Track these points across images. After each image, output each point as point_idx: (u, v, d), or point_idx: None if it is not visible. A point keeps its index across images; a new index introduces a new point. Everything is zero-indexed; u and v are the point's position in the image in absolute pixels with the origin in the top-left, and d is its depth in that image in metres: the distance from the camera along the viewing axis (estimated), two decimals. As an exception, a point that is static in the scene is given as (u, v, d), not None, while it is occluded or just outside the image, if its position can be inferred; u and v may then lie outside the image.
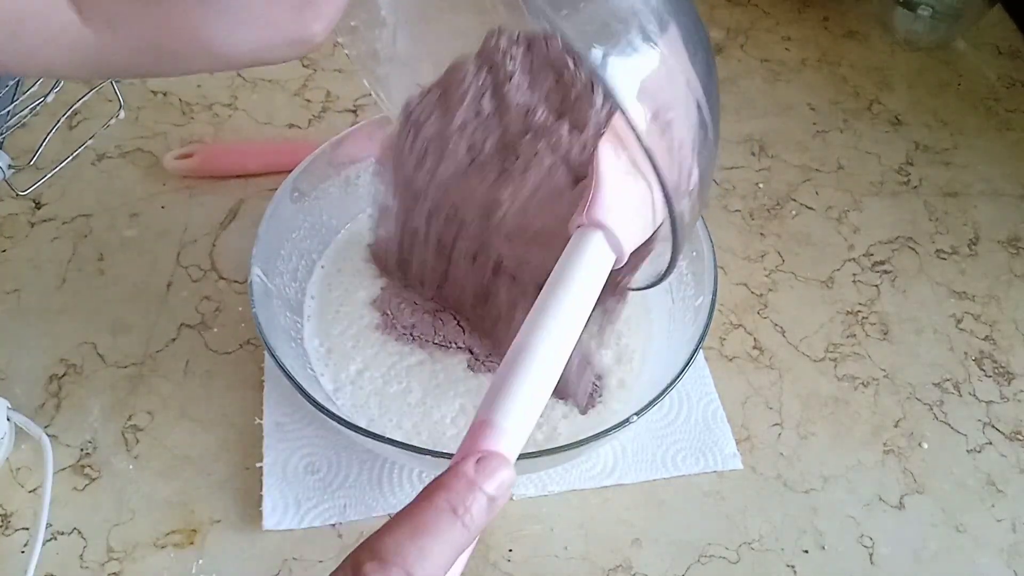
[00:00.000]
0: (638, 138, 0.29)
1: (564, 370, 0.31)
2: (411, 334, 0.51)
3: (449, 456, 0.42)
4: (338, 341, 0.52)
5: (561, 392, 0.48)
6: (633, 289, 0.43)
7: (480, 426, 0.28)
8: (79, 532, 0.48)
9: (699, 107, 0.31)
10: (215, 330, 0.56)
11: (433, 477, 0.27)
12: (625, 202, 0.33)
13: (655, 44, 0.29)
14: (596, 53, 0.27)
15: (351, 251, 0.57)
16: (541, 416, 0.49)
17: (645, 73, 0.29)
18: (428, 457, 0.42)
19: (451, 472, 0.26)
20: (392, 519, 0.25)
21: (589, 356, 0.48)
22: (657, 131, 0.29)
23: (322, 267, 0.56)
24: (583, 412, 0.49)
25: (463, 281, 0.48)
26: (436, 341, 0.51)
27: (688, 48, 0.31)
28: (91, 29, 0.27)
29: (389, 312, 0.52)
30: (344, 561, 0.24)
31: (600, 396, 0.50)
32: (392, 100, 0.47)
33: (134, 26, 0.28)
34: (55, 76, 0.36)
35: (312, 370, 0.51)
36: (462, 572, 0.27)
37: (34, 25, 0.27)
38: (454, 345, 0.51)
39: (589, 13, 0.28)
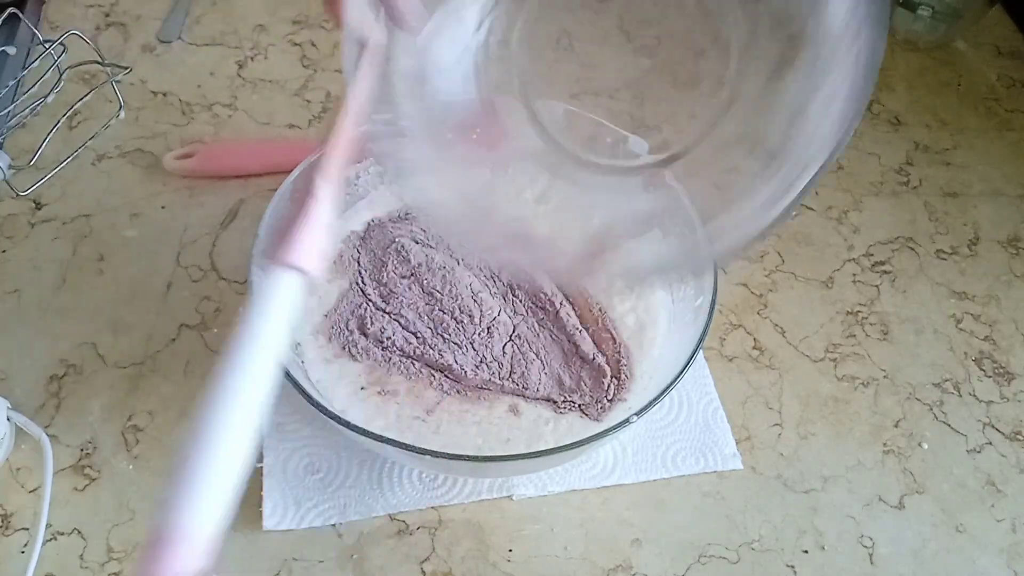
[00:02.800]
0: None
1: None
2: (402, 351, 0.52)
3: (448, 456, 0.42)
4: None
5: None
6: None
7: (159, 542, 0.25)
8: (79, 532, 0.48)
9: None
10: (215, 330, 0.56)
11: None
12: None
13: None
14: None
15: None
16: (542, 417, 0.49)
17: None
18: (428, 457, 0.42)
19: None
20: None
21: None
22: None
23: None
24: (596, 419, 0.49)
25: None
26: (420, 353, 0.51)
27: None
28: None
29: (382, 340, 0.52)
30: None
31: (611, 403, 0.50)
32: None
33: None
34: None
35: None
36: None
37: None
38: (442, 358, 0.51)
39: None
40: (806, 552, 0.49)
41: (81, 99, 0.66)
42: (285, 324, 0.32)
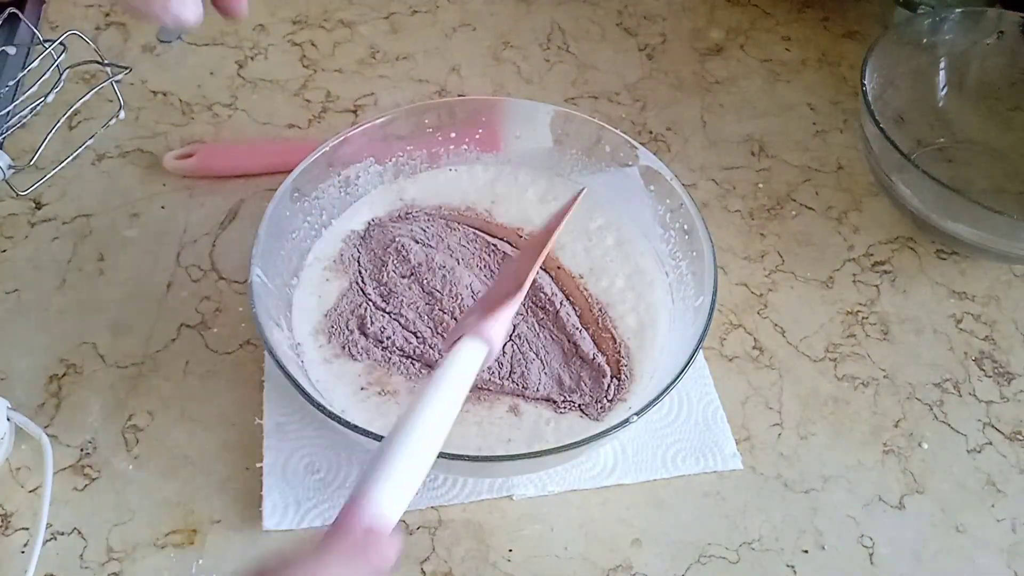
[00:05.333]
0: None
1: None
2: (401, 350, 0.51)
3: (448, 456, 0.42)
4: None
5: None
6: None
7: (356, 507, 0.31)
8: (79, 532, 0.48)
9: None
10: (215, 330, 0.56)
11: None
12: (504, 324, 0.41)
13: None
14: None
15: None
16: (543, 417, 0.49)
17: None
18: (428, 457, 0.42)
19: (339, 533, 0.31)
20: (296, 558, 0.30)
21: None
22: None
23: (322, 267, 0.56)
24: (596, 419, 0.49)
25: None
26: (420, 353, 0.51)
27: None
28: None
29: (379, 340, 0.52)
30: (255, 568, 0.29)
31: (611, 403, 0.50)
32: None
33: None
34: None
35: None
36: None
37: None
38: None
39: None
40: (806, 552, 0.49)
41: (81, 99, 0.66)
42: (469, 382, 0.39)
